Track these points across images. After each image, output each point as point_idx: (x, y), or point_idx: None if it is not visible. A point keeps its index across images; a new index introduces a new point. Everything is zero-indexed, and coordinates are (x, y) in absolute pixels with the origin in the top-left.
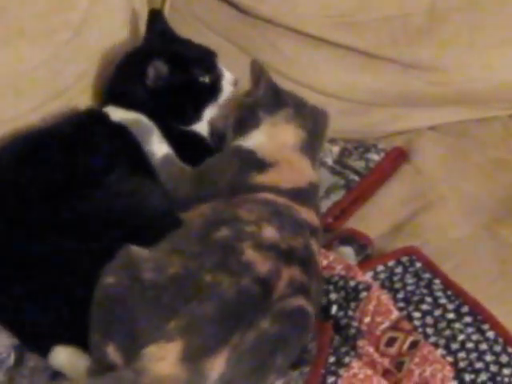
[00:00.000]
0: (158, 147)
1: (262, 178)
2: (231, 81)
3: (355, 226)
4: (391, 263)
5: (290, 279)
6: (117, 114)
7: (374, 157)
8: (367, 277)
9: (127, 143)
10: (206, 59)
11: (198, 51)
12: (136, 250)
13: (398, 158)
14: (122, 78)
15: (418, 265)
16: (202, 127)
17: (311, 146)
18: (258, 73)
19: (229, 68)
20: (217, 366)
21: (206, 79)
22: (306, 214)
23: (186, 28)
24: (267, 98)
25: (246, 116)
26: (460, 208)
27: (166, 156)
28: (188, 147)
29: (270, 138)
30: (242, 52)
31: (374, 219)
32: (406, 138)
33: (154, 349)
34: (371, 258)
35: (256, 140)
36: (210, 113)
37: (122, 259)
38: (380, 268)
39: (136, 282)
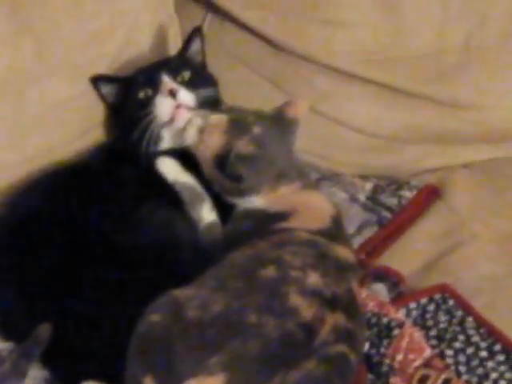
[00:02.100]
0: (207, 214)
1: (287, 224)
2: (165, 93)
3: (388, 262)
4: (424, 300)
5: (334, 326)
6: (170, 172)
7: (407, 194)
8: (400, 314)
9: (155, 175)
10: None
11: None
12: (179, 291)
13: (431, 195)
14: None
15: (451, 302)
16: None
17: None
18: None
19: (259, 103)
20: None
21: (141, 95)
22: (342, 252)
23: (219, 62)
24: (251, 180)
25: (229, 187)
26: (492, 245)
27: (212, 223)
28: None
29: (274, 199)
30: (275, 87)
31: (406, 256)
32: (438, 175)
33: (193, 382)
34: (404, 295)
35: (258, 202)
36: (167, 136)
37: (166, 299)
38: (412, 305)
39: (180, 319)
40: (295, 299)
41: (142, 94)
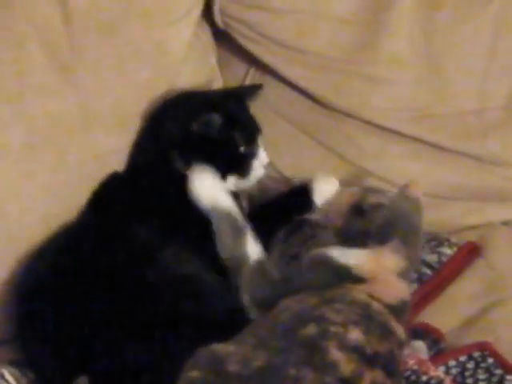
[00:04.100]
0: (253, 250)
1: (357, 287)
2: (264, 163)
3: (428, 319)
4: (463, 358)
5: (372, 382)
6: (207, 193)
7: (447, 251)
8: (439, 372)
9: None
10: (251, 131)
11: (248, 120)
12: (220, 346)
13: (471, 252)
14: (170, 115)
15: (490, 360)
16: None
17: (410, 270)
18: (363, 201)
19: (302, 159)
20: None
21: (242, 150)
22: (395, 325)
23: (260, 116)
24: (380, 228)
25: (352, 234)
26: None
27: (260, 264)
28: None
29: (372, 261)
30: (317, 143)
31: (446, 313)
32: (479, 232)
33: None
34: (443, 353)
35: (355, 259)
36: (231, 182)
37: (205, 354)
38: (452, 363)
39: (220, 373)
40: (335, 354)
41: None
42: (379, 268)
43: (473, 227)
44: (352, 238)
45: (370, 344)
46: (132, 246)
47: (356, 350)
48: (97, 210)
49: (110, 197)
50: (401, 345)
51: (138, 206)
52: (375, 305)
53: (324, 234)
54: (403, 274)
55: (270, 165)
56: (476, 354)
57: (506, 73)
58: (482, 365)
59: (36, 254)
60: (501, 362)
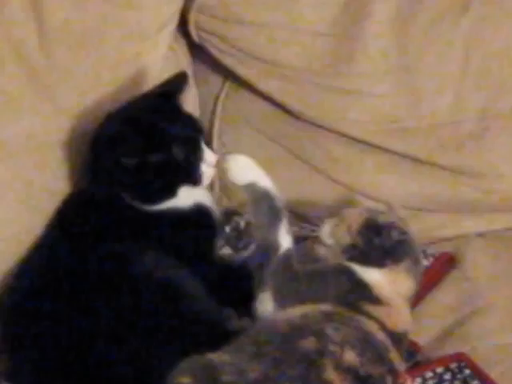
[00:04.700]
0: (285, 239)
1: (372, 309)
2: (212, 163)
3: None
4: (440, 370)
5: None
6: (246, 174)
7: (423, 262)
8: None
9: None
10: (189, 138)
11: (184, 126)
12: (215, 355)
13: (447, 263)
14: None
15: (467, 372)
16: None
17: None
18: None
19: (277, 171)
20: None
21: (183, 158)
22: (392, 352)
23: (237, 131)
24: (396, 246)
25: (370, 253)
26: (509, 314)
27: (288, 256)
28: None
29: (390, 283)
30: (293, 155)
31: (422, 325)
32: (454, 243)
33: None
34: (420, 365)
35: (375, 278)
36: (186, 191)
37: (198, 361)
38: (429, 374)
39: (214, 383)
40: (330, 373)
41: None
42: (395, 293)
43: (448, 239)
44: (368, 255)
45: (363, 366)
46: (105, 259)
47: (350, 371)
48: (64, 227)
49: (76, 213)
50: (392, 372)
51: (107, 219)
52: (380, 336)
53: (322, 249)
54: (412, 297)
55: None
56: (453, 366)
57: (478, 86)
58: (459, 376)
59: (14, 275)
60: (477, 373)
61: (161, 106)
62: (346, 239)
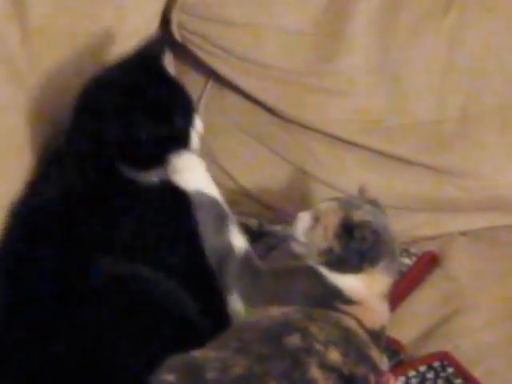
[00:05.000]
0: (238, 240)
1: (345, 308)
2: (199, 131)
3: (387, 330)
4: (423, 368)
5: None
6: (193, 177)
7: (406, 261)
8: (399, 382)
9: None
10: (185, 105)
11: (178, 93)
12: (199, 352)
13: (430, 262)
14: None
15: (450, 370)
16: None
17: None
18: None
19: (260, 170)
20: None
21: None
22: (373, 351)
23: (220, 130)
24: (372, 248)
25: (346, 258)
26: (492, 313)
27: (247, 256)
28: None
29: (366, 287)
30: (274, 154)
31: (405, 324)
32: (437, 242)
33: None
34: (403, 364)
35: (349, 284)
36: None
37: (182, 359)
38: (412, 373)
39: (198, 380)
40: (315, 372)
41: None
42: (369, 293)
43: (431, 237)
44: (345, 260)
45: (347, 366)
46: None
47: (334, 371)
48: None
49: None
50: (377, 371)
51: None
52: (359, 332)
53: (297, 246)
54: (387, 292)
55: (228, 175)
56: (436, 364)
57: (461, 85)
58: (442, 374)
59: None
60: (460, 371)
61: (152, 71)
62: (323, 243)
